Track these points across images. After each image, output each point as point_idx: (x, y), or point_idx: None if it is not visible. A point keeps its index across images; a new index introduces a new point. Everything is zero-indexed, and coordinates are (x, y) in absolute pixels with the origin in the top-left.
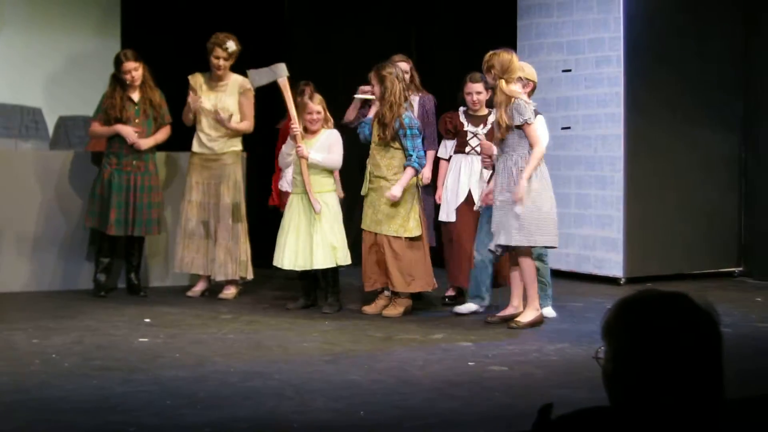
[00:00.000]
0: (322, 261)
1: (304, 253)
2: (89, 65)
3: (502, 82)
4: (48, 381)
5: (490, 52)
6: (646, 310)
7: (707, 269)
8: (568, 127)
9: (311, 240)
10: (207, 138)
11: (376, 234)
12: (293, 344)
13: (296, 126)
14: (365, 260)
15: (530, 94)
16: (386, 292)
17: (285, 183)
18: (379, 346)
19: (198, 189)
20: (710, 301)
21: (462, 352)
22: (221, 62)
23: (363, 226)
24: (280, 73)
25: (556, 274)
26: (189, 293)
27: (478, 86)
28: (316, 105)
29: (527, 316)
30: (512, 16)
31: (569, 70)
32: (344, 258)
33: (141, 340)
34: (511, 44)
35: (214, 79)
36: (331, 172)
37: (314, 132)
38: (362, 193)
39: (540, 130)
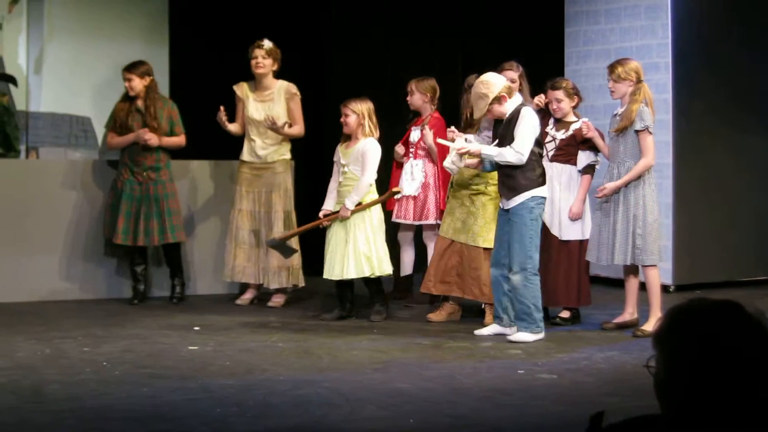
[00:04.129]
0: (354, 271)
1: (340, 263)
2: None
3: (646, 85)
4: (98, 389)
5: (617, 63)
6: (698, 319)
7: (756, 276)
8: None
9: (345, 250)
10: (257, 146)
11: (460, 244)
12: (342, 352)
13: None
14: (459, 274)
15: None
16: (452, 300)
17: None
18: (429, 354)
19: (248, 198)
20: (761, 309)
21: (511, 360)
22: (259, 60)
23: (458, 239)
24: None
25: (605, 282)
26: (238, 301)
27: (558, 93)
28: (348, 108)
29: (653, 325)
30: (560, 24)
31: None
32: (381, 268)
33: (190, 348)
34: (558, 52)
35: (260, 88)
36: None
37: (353, 139)
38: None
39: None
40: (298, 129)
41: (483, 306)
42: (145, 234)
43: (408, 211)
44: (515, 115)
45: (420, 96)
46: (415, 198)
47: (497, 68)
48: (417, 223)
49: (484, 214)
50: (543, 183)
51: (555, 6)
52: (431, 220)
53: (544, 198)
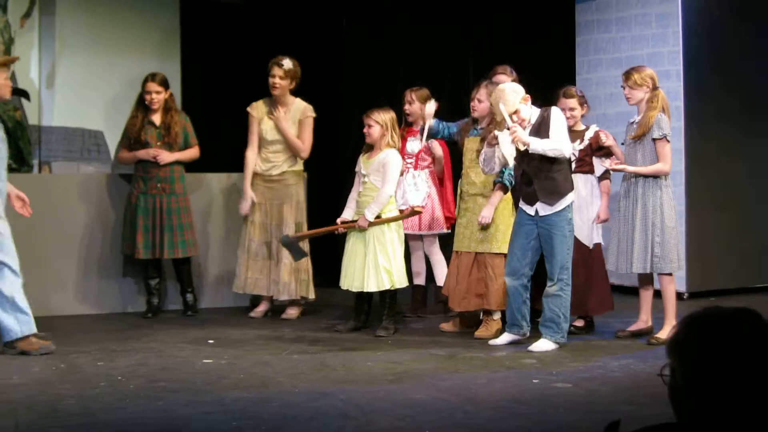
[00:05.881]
0: (374, 284)
1: (360, 275)
2: None
3: (662, 92)
4: (113, 403)
5: (632, 70)
6: (714, 327)
7: None
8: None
9: (365, 263)
10: (267, 160)
11: (476, 253)
12: (357, 364)
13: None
14: (460, 281)
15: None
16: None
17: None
18: (443, 365)
19: (260, 210)
20: None
21: (526, 370)
22: (277, 80)
23: (459, 248)
24: (291, 242)
25: (619, 290)
26: (252, 314)
27: (572, 102)
28: (371, 118)
29: (667, 333)
30: (571, 32)
31: None
32: (400, 280)
33: (205, 361)
34: (569, 60)
35: (275, 106)
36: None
37: (375, 149)
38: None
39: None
40: (300, 144)
41: (482, 316)
42: (165, 246)
43: (415, 222)
44: (546, 115)
45: (420, 105)
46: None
47: (489, 72)
48: (426, 233)
49: (504, 220)
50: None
51: (566, 15)
52: (439, 230)
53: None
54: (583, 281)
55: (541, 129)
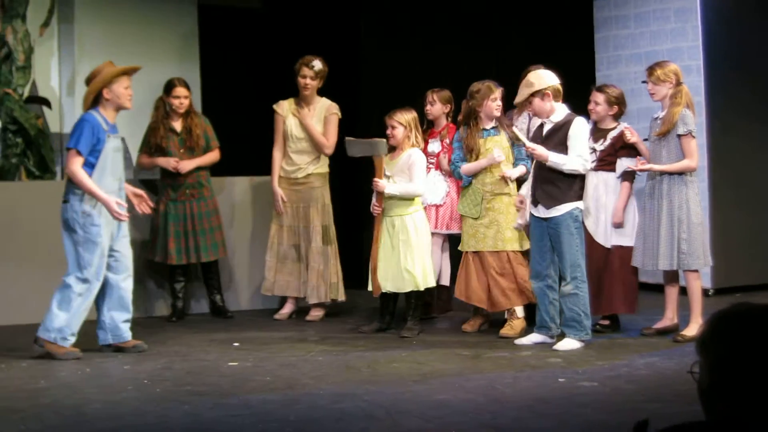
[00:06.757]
0: (392, 285)
1: (384, 276)
2: None
3: (685, 87)
4: (140, 407)
5: (656, 65)
6: (743, 324)
7: None
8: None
9: (386, 264)
10: (292, 162)
11: (507, 252)
12: (382, 365)
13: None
14: (495, 282)
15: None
16: (484, 311)
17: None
18: (468, 365)
19: (287, 213)
20: None
21: (551, 369)
22: (308, 81)
23: (485, 248)
24: (379, 151)
25: (643, 287)
26: (276, 316)
27: (598, 96)
28: (394, 119)
29: (693, 330)
30: (589, 29)
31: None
32: (425, 282)
33: (230, 364)
34: (588, 57)
35: (301, 105)
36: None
37: (398, 150)
38: (474, 215)
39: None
40: (326, 141)
41: (506, 315)
42: (200, 250)
43: (432, 221)
44: (567, 121)
45: (441, 106)
46: (440, 206)
47: (526, 71)
48: (444, 232)
49: (507, 218)
50: (582, 196)
51: (584, 12)
52: (457, 230)
53: (581, 209)
54: (598, 282)
55: (560, 132)
